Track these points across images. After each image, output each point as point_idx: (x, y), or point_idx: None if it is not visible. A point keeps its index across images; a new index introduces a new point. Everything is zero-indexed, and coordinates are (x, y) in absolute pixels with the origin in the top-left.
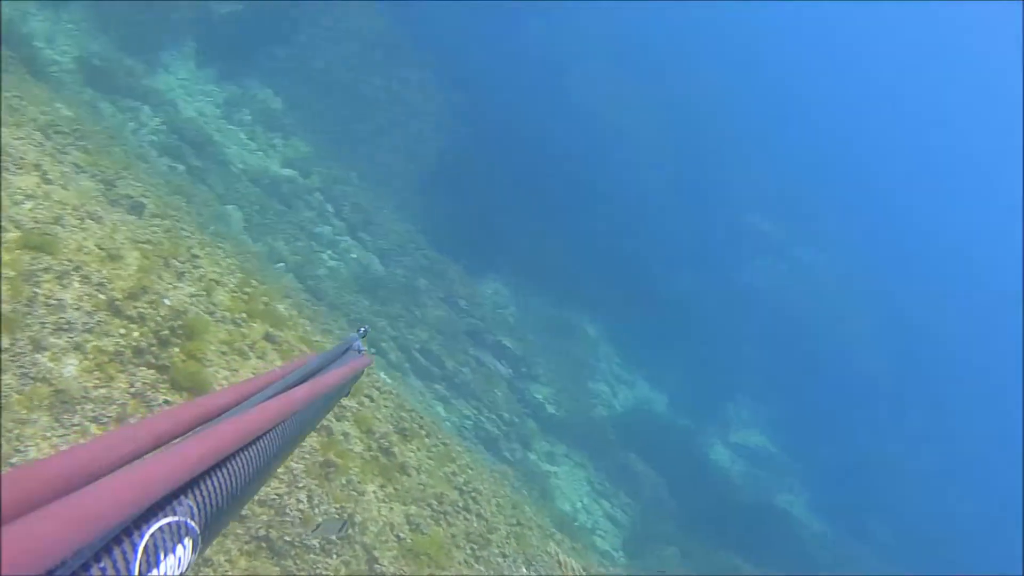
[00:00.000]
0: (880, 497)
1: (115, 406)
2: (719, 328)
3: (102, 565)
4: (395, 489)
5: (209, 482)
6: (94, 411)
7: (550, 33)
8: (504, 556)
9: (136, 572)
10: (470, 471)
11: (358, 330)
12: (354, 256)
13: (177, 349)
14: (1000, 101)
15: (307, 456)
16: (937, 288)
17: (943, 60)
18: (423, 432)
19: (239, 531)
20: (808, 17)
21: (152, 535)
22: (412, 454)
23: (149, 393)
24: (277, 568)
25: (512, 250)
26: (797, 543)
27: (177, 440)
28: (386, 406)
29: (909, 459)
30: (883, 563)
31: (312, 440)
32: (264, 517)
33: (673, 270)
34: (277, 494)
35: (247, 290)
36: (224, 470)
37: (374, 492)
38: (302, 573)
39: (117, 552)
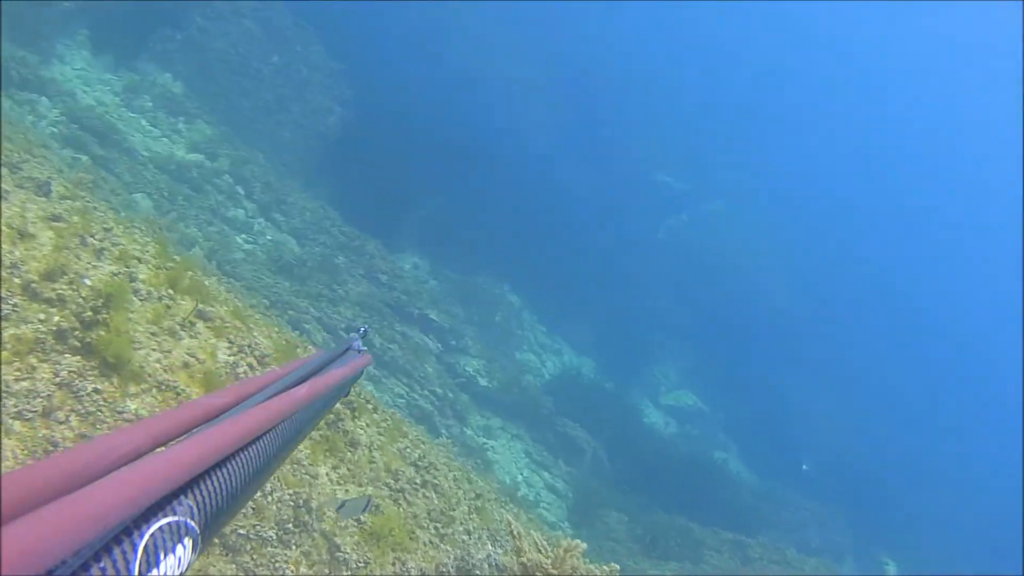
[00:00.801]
0: (803, 438)
1: (40, 399)
2: (637, 288)
3: (102, 565)
4: (348, 469)
5: (209, 482)
6: (17, 406)
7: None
8: (468, 533)
9: (136, 572)
10: (423, 445)
11: (358, 330)
12: (269, 238)
13: (103, 332)
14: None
15: None
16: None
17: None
18: (370, 406)
19: None
20: None
21: (152, 535)
22: (362, 431)
23: (77, 382)
24: (233, 565)
25: (425, 221)
26: (736, 496)
27: (177, 440)
28: None
29: (824, 400)
30: (816, 502)
31: None
32: None
33: (586, 233)
34: None
35: (169, 264)
36: (224, 470)
37: (327, 474)
38: (261, 569)
39: (117, 552)
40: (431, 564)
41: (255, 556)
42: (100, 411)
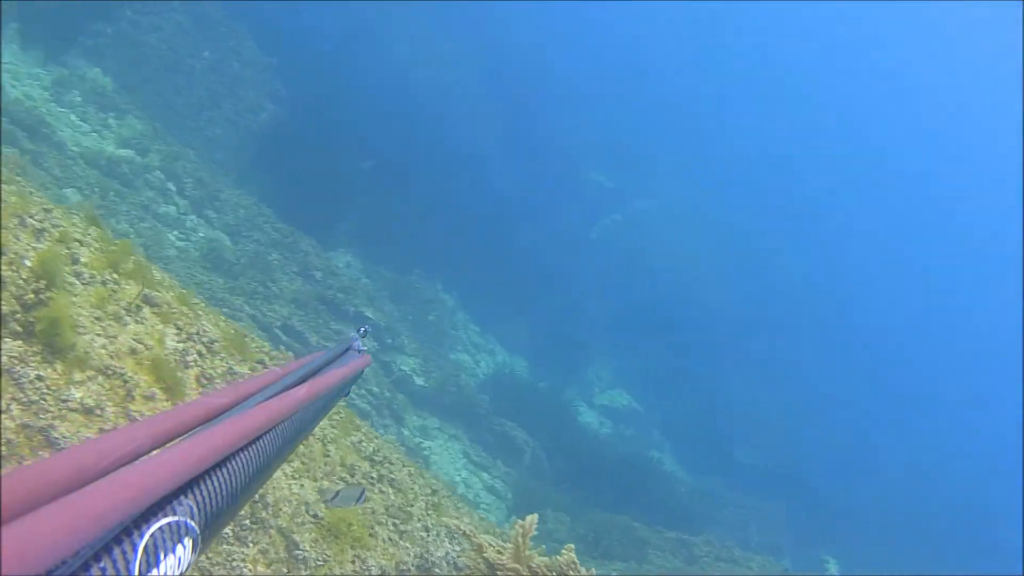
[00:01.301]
0: (738, 436)
1: None
2: (570, 288)
3: (102, 565)
4: (303, 463)
5: (209, 482)
6: None
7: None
8: (427, 530)
9: (136, 572)
10: (376, 439)
11: (358, 330)
12: (202, 234)
13: (45, 314)
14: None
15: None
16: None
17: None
18: None
19: None
20: None
21: (152, 535)
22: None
23: (18, 368)
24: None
25: (358, 219)
26: (674, 495)
27: (177, 440)
28: None
29: (759, 398)
30: (755, 499)
31: None
32: None
33: (519, 232)
34: None
35: (112, 248)
36: (224, 470)
37: (281, 468)
38: (217, 569)
39: (117, 552)
40: (391, 562)
41: (210, 554)
42: (43, 399)
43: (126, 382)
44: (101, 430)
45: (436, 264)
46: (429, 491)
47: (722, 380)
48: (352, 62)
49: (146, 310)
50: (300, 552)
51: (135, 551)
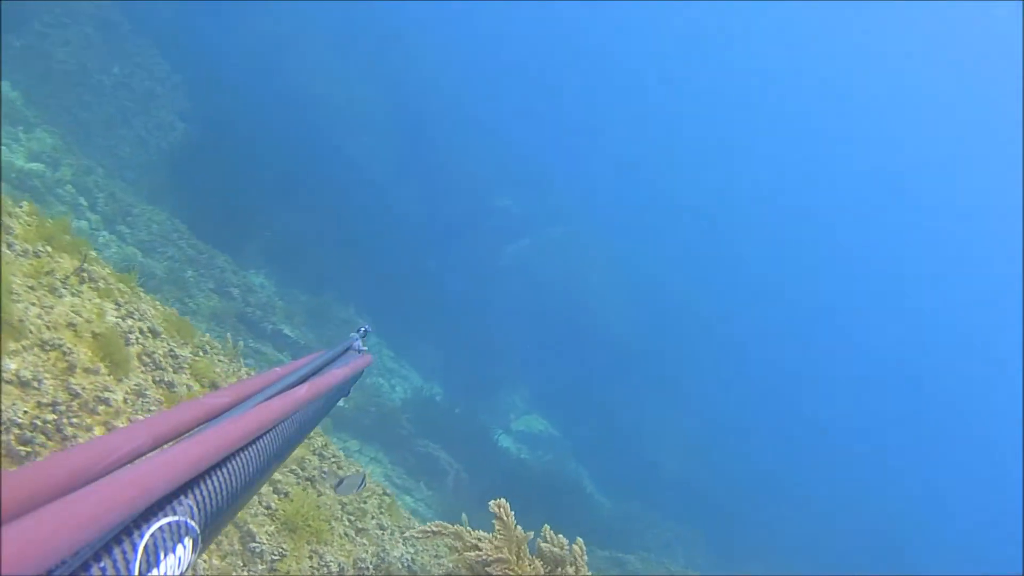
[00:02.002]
0: (655, 458)
1: None
2: (483, 314)
3: (102, 565)
4: None
5: (209, 482)
6: None
7: (282, 17)
8: (382, 528)
9: (136, 572)
10: (323, 436)
11: (358, 330)
12: (114, 251)
13: None
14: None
15: (152, 408)
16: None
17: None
18: None
19: None
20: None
21: (152, 535)
22: None
23: None
24: None
25: (272, 240)
26: (597, 517)
27: (177, 440)
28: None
29: (675, 421)
30: (675, 522)
31: (156, 392)
32: None
33: (429, 257)
34: None
35: (48, 224)
36: (224, 470)
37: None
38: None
39: (117, 552)
40: (348, 558)
41: None
42: None
43: (66, 354)
44: (39, 403)
45: (349, 287)
46: (381, 491)
47: (633, 404)
48: (259, 83)
49: (84, 285)
50: (256, 545)
51: (135, 551)
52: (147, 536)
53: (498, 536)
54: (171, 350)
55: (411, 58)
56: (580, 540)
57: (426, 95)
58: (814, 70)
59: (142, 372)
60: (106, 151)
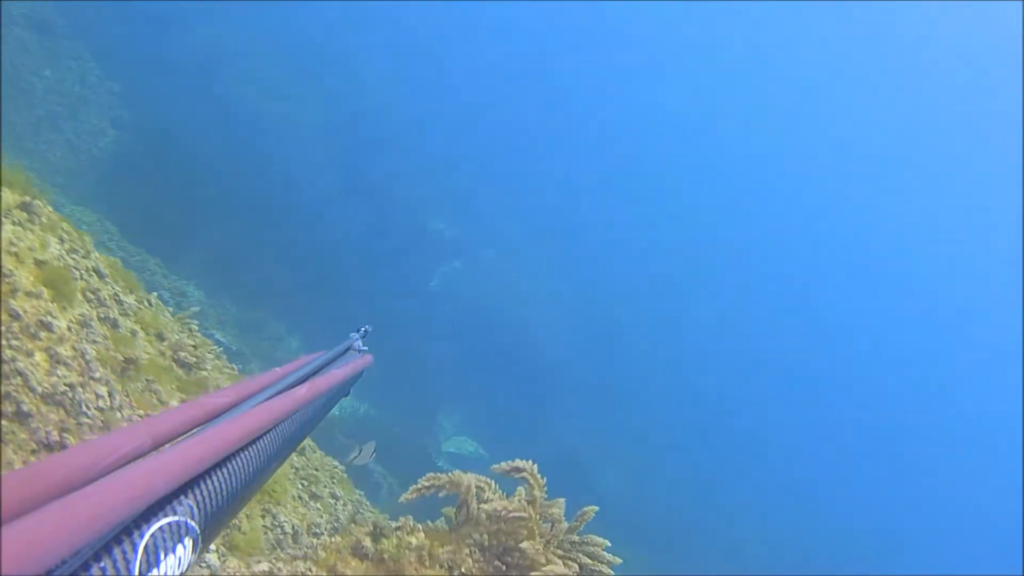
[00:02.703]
0: (591, 480)
1: None
2: (416, 335)
3: (102, 565)
4: None
5: (209, 482)
6: None
7: (222, 29)
8: (335, 498)
9: (136, 572)
10: None
11: (358, 330)
12: None
13: None
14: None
15: (98, 341)
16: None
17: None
18: (211, 354)
19: (22, 436)
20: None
21: (152, 535)
22: (210, 374)
23: None
24: None
25: (206, 253)
26: None
27: (177, 440)
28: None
29: (610, 443)
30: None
31: (101, 328)
32: (54, 417)
33: (362, 278)
34: (68, 385)
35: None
36: (224, 470)
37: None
38: None
39: (117, 552)
40: (303, 522)
41: None
42: None
43: (7, 276)
44: None
45: (281, 305)
46: (332, 464)
47: (569, 426)
48: (198, 94)
49: (25, 219)
50: None
51: (135, 551)
52: (147, 536)
53: (527, 494)
54: (116, 294)
55: (351, 75)
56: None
57: (365, 113)
58: (808, 72)
59: (87, 306)
60: (36, 155)
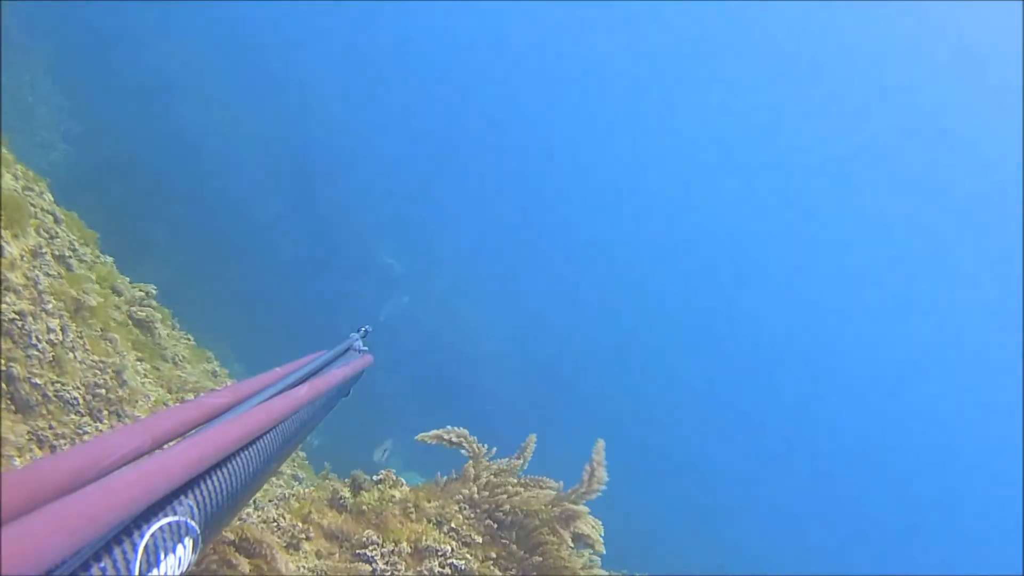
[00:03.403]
0: None
1: None
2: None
3: (102, 565)
4: (157, 371)
5: (209, 482)
6: None
7: (171, 50)
8: (297, 480)
9: (136, 572)
10: (230, 379)
11: (358, 330)
12: None
13: None
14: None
15: (52, 275)
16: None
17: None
18: (168, 323)
19: None
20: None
21: (152, 535)
22: (169, 342)
23: None
24: (25, 426)
25: (147, 271)
26: None
27: (178, 440)
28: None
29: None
30: None
31: (56, 265)
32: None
33: (311, 309)
34: (17, 313)
35: None
36: (224, 470)
37: (135, 365)
38: (62, 442)
39: (117, 552)
40: (264, 496)
41: (54, 422)
42: None
43: None
44: None
45: (227, 331)
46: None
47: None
48: (146, 117)
49: None
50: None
51: (135, 551)
52: (147, 536)
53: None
54: (72, 242)
55: (303, 103)
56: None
57: (317, 142)
58: (807, 72)
59: (42, 241)
60: None
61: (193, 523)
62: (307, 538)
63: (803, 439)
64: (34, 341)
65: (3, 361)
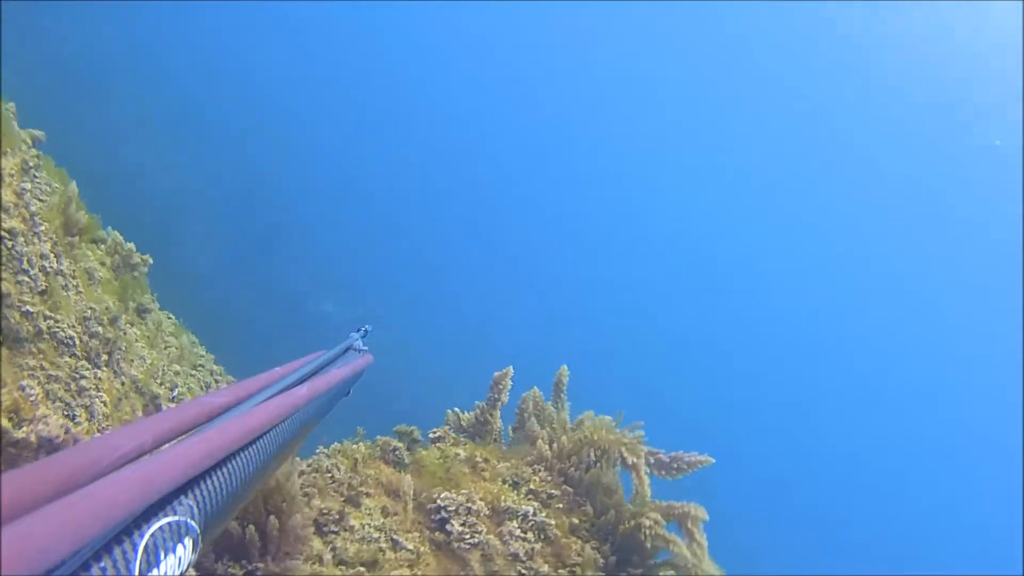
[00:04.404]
0: None
1: None
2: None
3: (102, 565)
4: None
5: (209, 482)
6: None
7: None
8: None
9: (136, 572)
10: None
11: (358, 330)
12: None
13: None
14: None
15: (43, 200)
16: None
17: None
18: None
19: None
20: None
21: (152, 535)
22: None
23: None
24: (13, 367)
25: None
26: None
27: (178, 439)
28: None
29: None
30: None
31: (47, 193)
32: None
33: (246, 357)
34: (7, 231)
35: None
36: (224, 470)
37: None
38: (54, 386)
39: (117, 552)
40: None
41: (47, 362)
42: None
43: None
44: None
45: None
46: None
47: None
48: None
49: None
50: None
51: (135, 551)
52: (147, 536)
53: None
54: (50, 183)
55: (241, 150)
56: None
57: (258, 187)
58: (807, 72)
59: (31, 158)
60: None
61: (193, 523)
62: (367, 494)
63: (803, 439)
64: (27, 266)
65: None
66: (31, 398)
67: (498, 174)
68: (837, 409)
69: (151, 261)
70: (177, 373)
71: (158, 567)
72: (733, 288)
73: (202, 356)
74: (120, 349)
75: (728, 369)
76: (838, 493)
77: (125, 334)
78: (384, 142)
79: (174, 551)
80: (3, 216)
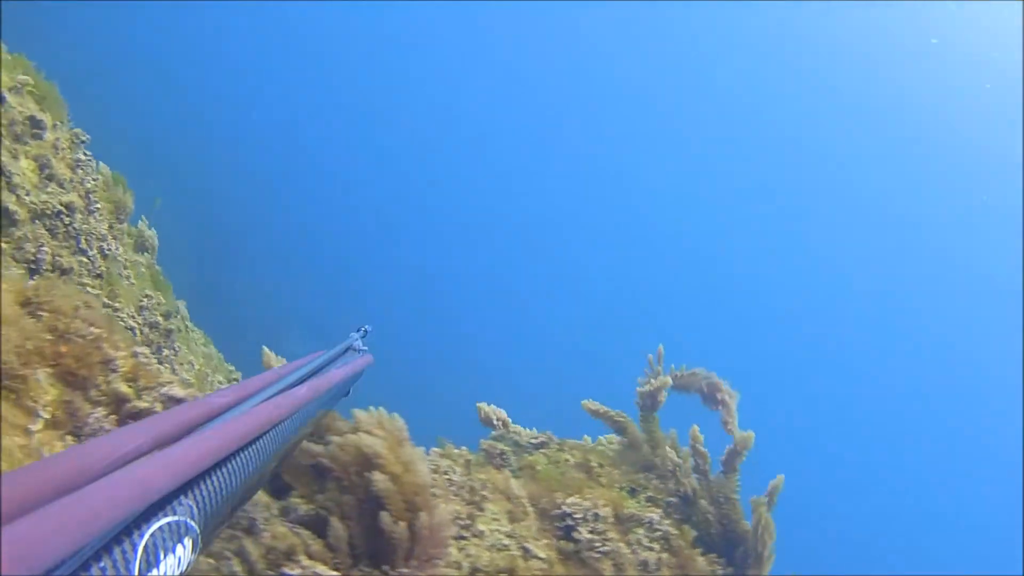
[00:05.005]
0: None
1: None
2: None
3: (102, 565)
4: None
5: (209, 482)
6: None
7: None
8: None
9: (136, 572)
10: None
11: (358, 330)
12: None
13: None
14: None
15: (96, 179)
16: None
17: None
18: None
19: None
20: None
21: (152, 535)
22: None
23: None
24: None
25: None
26: None
27: (178, 440)
28: None
29: None
30: None
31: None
32: (50, 243)
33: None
34: (64, 206)
35: None
36: (224, 470)
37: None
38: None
39: (117, 552)
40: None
41: (54, 297)
42: None
43: None
44: None
45: None
46: None
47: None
48: None
49: None
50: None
51: (135, 551)
52: (147, 536)
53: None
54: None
55: (213, 182)
56: None
57: (228, 223)
58: (806, 72)
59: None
60: None
61: (193, 523)
62: (487, 498)
63: (803, 439)
64: (84, 246)
65: (49, 254)
66: (148, 366)
67: (498, 174)
68: (837, 409)
69: (157, 243)
70: (221, 383)
71: (158, 567)
72: (733, 288)
73: (231, 370)
74: (173, 349)
75: (728, 369)
76: (838, 493)
77: (181, 331)
78: (384, 141)
79: (174, 551)
80: (60, 190)
